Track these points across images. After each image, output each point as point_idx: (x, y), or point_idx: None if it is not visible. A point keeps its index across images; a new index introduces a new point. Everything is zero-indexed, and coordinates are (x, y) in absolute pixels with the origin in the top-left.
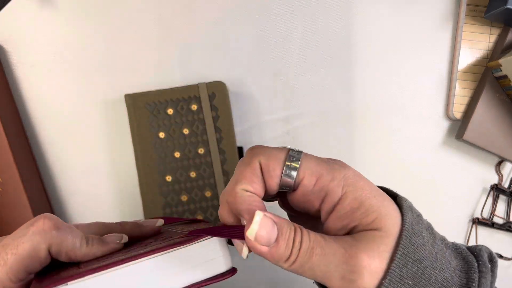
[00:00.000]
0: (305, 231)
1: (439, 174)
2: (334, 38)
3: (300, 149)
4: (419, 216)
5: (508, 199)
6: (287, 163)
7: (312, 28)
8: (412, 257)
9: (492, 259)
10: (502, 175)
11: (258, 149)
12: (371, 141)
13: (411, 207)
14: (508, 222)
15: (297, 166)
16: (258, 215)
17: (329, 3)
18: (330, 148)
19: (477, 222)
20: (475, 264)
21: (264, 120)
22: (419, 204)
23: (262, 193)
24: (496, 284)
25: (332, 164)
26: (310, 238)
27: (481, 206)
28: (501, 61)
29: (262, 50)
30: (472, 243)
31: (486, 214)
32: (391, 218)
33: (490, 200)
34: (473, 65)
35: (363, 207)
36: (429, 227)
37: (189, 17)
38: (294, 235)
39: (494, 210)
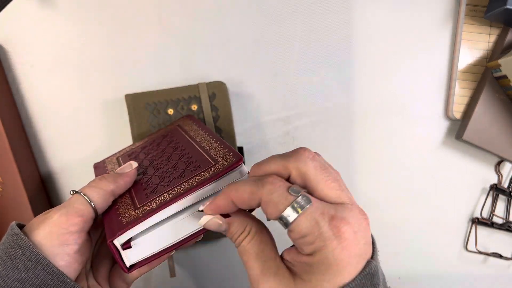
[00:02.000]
0: (254, 240)
1: (439, 174)
2: (334, 38)
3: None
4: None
5: (508, 199)
6: (285, 214)
7: (312, 28)
8: None
9: None
10: (501, 175)
11: (262, 183)
12: (371, 141)
13: (372, 276)
14: (507, 221)
15: (295, 217)
16: (205, 219)
17: (329, 3)
18: (330, 148)
19: (476, 222)
20: None
21: (264, 120)
22: (419, 203)
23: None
24: (496, 284)
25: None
26: (251, 247)
27: (480, 206)
28: (500, 61)
29: (262, 50)
30: (471, 242)
31: (485, 214)
32: (332, 276)
33: (489, 200)
34: (473, 65)
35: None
36: None
37: (189, 17)
38: (241, 234)
39: (494, 210)
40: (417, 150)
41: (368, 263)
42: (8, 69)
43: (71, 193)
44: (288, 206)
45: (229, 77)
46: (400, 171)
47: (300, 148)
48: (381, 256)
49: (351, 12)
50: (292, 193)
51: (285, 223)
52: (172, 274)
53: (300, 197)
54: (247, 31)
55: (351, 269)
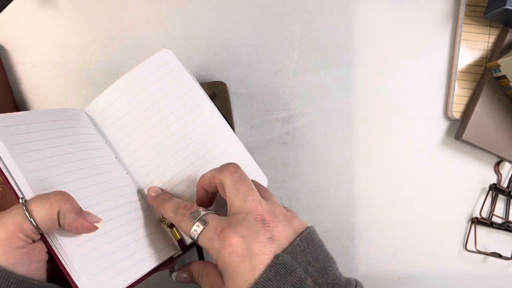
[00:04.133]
0: (206, 272)
1: (438, 174)
2: (334, 38)
3: (300, 149)
4: (294, 265)
5: (507, 199)
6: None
7: (311, 28)
8: (310, 248)
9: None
10: (501, 174)
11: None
12: (371, 141)
13: (282, 265)
14: (507, 221)
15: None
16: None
17: (329, 3)
18: (330, 148)
19: (476, 221)
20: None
21: (264, 120)
22: (419, 204)
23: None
24: (496, 283)
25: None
26: (207, 276)
27: (480, 205)
28: (500, 61)
29: (262, 50)
30: (471, 242)
31: (485, 214)
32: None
33: (489, 199)
34: (472, 65)
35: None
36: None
37: (190, 17)
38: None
39: (493, 210)
40: (416, 150)
41: (276, 256)
42: (9, 69)
43: (21, 200)
44: (191, 229)
45: (229, 77)
46: (399, 171)
47: (228, 163)
48: (381, 256)
49: (351, 12)
50: (192, 220)
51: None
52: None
53: (197, 222)
54: (247, 31)
55: (246, 267)
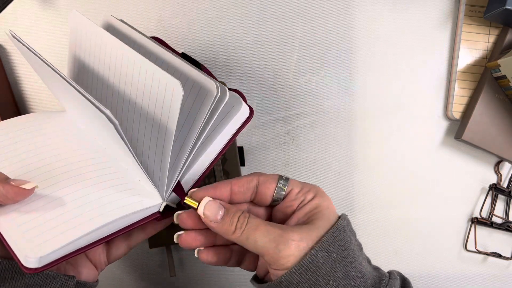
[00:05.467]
0: (252, 215)
1: (438, 174)
2: (334, 38)
3: (300, 149)
4: (352, 231)
5: (507, 199)
6: (280, 181)
7: (311, 28)
8: (339, 242)
9: (405, 279)
10: (501, 174)
11: (257, 172)
12: (371, 141)
13: (348, 222)
14: (507, 221)
15: (287, 182)
16: (205, 200)
17: (329, 3)
18: (330, 148)
19: (476, 221)
20: (387, 274)
21: (264, 120)
22: (418, 204)
23: (240, 199)
24: (495, 283)
25: (311, 184)
26: (256, 220)
27: (480, 205)
28: (500, 61)
29: (262, 50)
30: (471, 242)
31: (485, 214)
32: (328, 220)
33: (489, 199)
34: (472, 65)
35: (316, 209)
36: (359, 243)
37: (190, 17)
38: (240, 216)
39: (493, 210)
40: (416, 150)
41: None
42: (9, 69)
43: None
44: (278, 181)
45: (229, 77)
46: (400, 171)
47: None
48: (381, 256)
49: (351, 12)
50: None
51: (284, 184)
52: (172, 273)
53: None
54: (247, 31)
55: (335, 213)
